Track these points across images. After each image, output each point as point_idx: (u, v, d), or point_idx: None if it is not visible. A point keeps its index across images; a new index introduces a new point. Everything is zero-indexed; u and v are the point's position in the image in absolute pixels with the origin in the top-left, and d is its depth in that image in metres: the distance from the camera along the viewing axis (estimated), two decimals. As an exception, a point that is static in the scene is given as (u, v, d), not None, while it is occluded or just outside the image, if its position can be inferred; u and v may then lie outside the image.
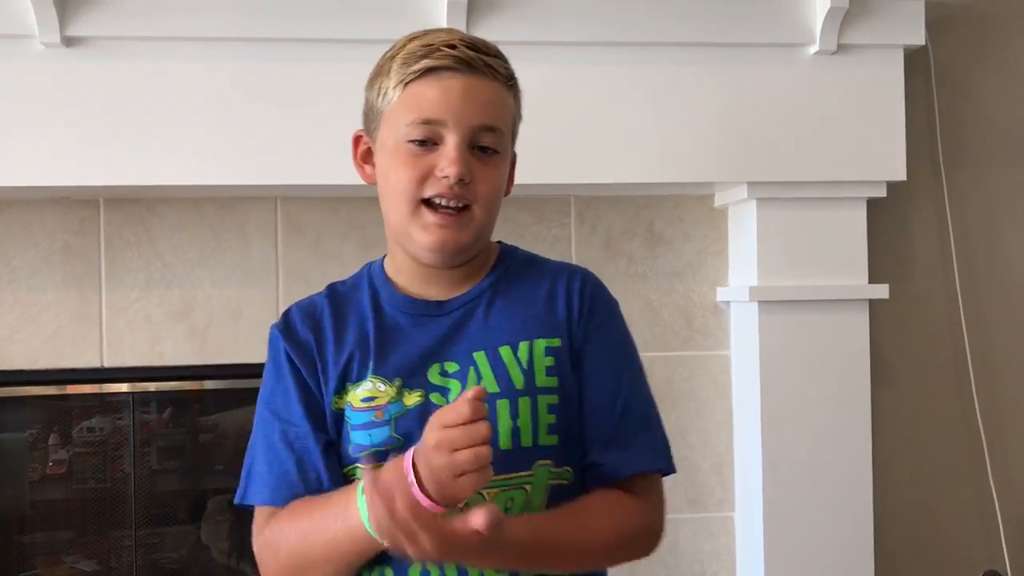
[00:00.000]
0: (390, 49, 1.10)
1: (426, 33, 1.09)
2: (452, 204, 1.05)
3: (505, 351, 1.07)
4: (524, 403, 1.04)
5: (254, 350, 1.83)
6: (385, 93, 1.07)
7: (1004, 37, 2.05)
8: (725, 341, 1.93)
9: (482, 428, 0.91)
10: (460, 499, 0.93)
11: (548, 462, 1.05)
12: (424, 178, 1.05)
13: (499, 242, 1.19)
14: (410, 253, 1.10)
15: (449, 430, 0.91)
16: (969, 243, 2.04)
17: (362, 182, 1.16)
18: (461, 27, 1.66)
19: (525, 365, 1.06)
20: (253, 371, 1.83)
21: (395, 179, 1.06)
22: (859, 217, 1.84)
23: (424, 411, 1.02)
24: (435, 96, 1.04)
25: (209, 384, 1.85)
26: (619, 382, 1.10)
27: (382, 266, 1.16)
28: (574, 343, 1.09)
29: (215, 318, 1.82)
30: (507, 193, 1.13)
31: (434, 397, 1.05)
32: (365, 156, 1.14)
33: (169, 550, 1.84)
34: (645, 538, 1.09)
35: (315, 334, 1.11)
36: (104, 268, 1.80)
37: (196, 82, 1.65)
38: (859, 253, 1.84)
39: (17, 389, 1.78)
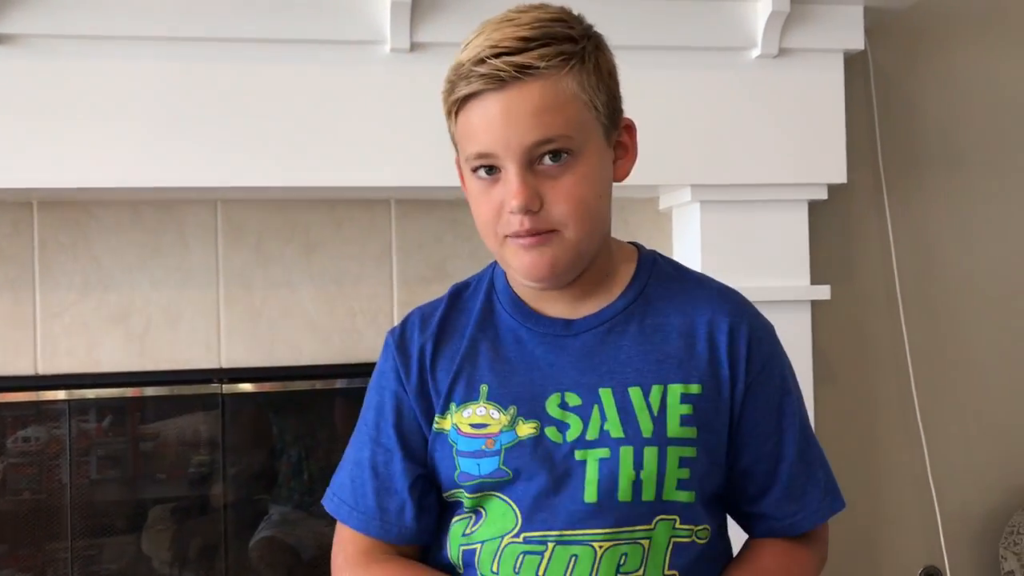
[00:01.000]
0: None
1: (477, 34, 0.97)
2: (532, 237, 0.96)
3: (635, 393, 0.98)
4: (651, 453, 0.96)
5: (195, 355, 1.81)
6: (447, 116, 1.00)
7: (941, 43, 2.10)
8: (671, 342, 1.93)
9: None
10: None
11: (674, 518, 0.98)
12: (498, 212, 0.96)
13: (635, 245, 1.10)
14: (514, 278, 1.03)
15: None
16: (908, 244, 2.08)
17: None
18: (404, 29, 1.64)
19: (656, 412, 0.97)
20: (193, 377, 1.85)
21: (475, 212, 1.00)
22: (801, 219, 1.86)
23: (537, 445, 0.97)
24: (480, 126, 0.95)
25: (149, 391, 1.81)
26: (784, 423, 1.04)
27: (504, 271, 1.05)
28: (734, 394, 1.01)
29: (154, 323, 1.79)
30: (624, 175, 1.03)
31: (549, 432, 0.97)
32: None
33: (108, 562, 1.80)
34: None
35: (432, 343, 1.03)
36: (38, 271, 1.75)
37: (133, 82, 1.61)
38: (801, 255, 1.86)
39: (-53, 398, 1.72)
